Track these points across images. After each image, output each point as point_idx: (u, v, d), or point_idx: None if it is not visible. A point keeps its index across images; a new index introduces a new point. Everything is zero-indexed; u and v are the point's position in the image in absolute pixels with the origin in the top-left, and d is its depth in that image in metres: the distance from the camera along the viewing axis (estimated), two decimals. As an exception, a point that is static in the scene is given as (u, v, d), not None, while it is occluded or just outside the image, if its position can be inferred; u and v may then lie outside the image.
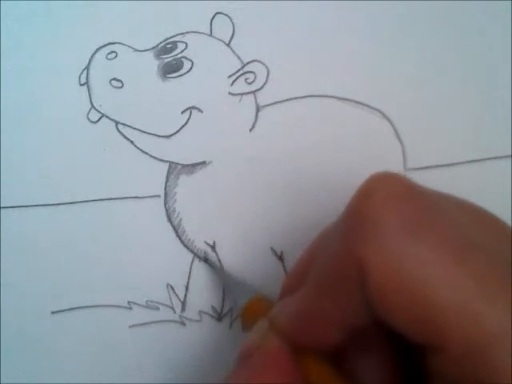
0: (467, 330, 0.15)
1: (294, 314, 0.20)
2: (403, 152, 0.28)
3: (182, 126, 0.27)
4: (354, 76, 0.28)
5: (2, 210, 0.27)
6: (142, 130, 0.27)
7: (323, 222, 0.27)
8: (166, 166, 0.28)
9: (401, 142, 0.28)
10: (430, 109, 0.28)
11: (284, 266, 0.27)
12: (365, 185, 0.18)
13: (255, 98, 0.28)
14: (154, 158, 0.28)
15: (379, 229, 0.17)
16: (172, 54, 0.28)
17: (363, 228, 0.17)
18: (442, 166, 0.28)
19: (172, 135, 0.27)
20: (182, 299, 0.27)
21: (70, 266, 0.27)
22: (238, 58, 0.28)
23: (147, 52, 0.28)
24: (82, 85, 0.28)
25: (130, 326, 0.27)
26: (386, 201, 0.17)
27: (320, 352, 0.20)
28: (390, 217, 0.17)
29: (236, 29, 0.28)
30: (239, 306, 0.24)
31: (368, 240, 0.17)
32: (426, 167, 0.27)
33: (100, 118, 0.28)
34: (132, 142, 0.28)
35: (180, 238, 0.27)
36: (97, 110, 0.28)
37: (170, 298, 0.27)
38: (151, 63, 0.28)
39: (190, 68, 0.28)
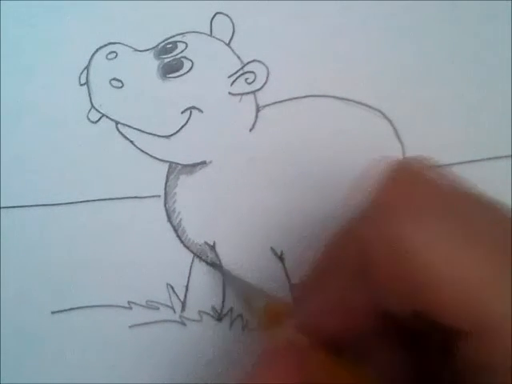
0: (469, 315, 0.15)
1: (311, 308, 0.20)
2: (403, 152, 0.28)
3: (182, 126, 0.27)
4: (354, 76, 0.28)
5: (2, 210, 0.27)
6: (142, 130, 0.27)
7: (323, 221, 0.27)
8: (165, 166, 0.28)
9: (401, 142, 0.28)
10: (429, 109, 0.28)
11: (284, 266, 0.27)
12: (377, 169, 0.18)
13: (255, 98, 0.28)
14: (154, 157, 0.28)
15: (385, 213, 0.17)
16: (172, 54, 0.28)
17: (368, 212, 0.17)
18: (442, 166, 0.28)
19: (172, 135, 0.27)
20: (181, 299, 0.27)
21: (70, 265, 0.27)
22: (238, 58, 0.28)
23: (147, 52, 0.28)
24: (82, 85, 0.28)
25: (130, 326, 0.27)
26: (393, 185, 0.17)
27: (339, 347, 0.20)
28: (398, 201, 0.17)
29: (236, 29, 0.28)
30: (254, 310, 0.24)
31: (372, 223, 0.17)
32: (426, 167, 0.27)
33: (100, 117, 0.28)
34: (132, 141, 0.28)
35: (180, 238, 0.27)
36: (97, 110, 0.28)
37: (170, 298, 0.27)
38: (151, 63, 0.28)
39: (190, 68, 0.28)
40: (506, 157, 0.28)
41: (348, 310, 0.19)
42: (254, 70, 0.28)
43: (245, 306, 0.26)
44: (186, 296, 0.27)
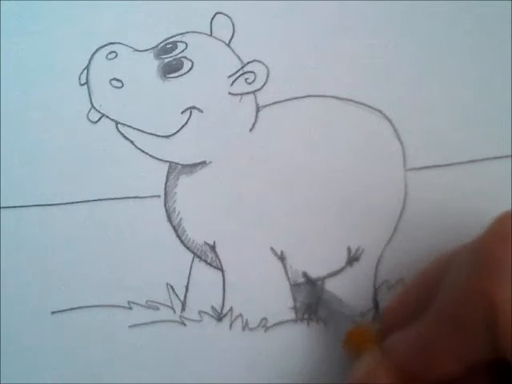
0: None
1: (413, 346, 0.20)
2: (403, 152, 0.28)
3: (182, 126, 0.27)
4: (354, 76, 0.28)
5: (2, 210, 0.27)
6: (142, 129, 0.27)
7: (323, 221, 0.27)
8: (166, 166, 0.28)
9: (401, 142, 0.28)
10: (429, 109, 0.28)
11: (284, 266, 0.27)
12: (497, 225, 0.19)
13: (255, 98, 0.28)
14: (154, 157, 0.28)
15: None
16: (172, 54, 0.28)
17: (497, 270, 0.18)
18: (442, 166, 0.28)
19: (172, 135, 0.27)
20: (181, 299, 0.27)
21: (70, 266, 0.27)
22: (238, 58, 0.28)
23: (147, 52, 0.28)
24: (82, 85, 0.28)
25: (129, 326, 0.27)
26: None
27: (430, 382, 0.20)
28: None
29: (236, 29, 0.28)
30: (341, 331, 0.25)
31: (501, 283, 0.17)
32: (426, 167, 0.27)
33: (100, 118, 0.28)
34: (132, 142, 0.28)
35: (180, 238, 0.27)
36: (97, 110, 0.28)
37: (170, 298, 0.27)
38: (151, 63, 0.28)
39: (190, 68, 0.28)
40: (505, 157, 0.28)
41: (443, 356, 0.19)
42: (254, 70, 0.28)
43: (334, 323, 0.26)
44: (185, 296, 0.27)
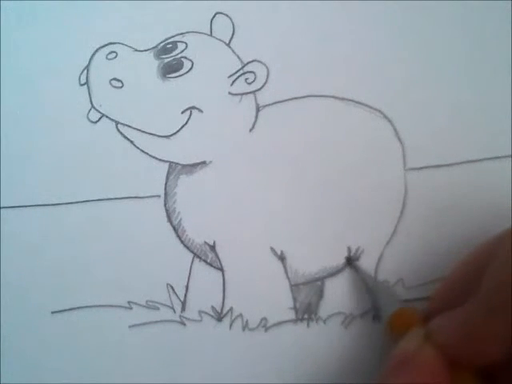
0: None
1: (458, 329, 0.21)
2: (403, 152, 0.28)
3: (182, 126, 0.27)
4: (354, 76, 0.28)
5: (2, 210, 0.27)
6: (142, 130, 0.27)
7: (323, 221, 0.27)
8: (166, 166, 0.28)
9: (401, 142, 0.28)
10: (430, 109, 0.28)
11: (284, 266, 0.27)
12: None
13: (255, 98, 0.28)
14: (154, 157, 0.28)
15: None
16: (172, 54, 0.28)
17: None
18: (442, 165, 0.28)
19: (172, 135, 0.27)
20: (181, 299, 0.27)
21: (70, 265, 0.27)
22: (238, 57, 0.28)
23: (147, 52, 0.28)
24: (82, 85, 0.28)
25: (129, 326, 0.27)
26: None
27: (473, 367, 0.21)
28: None
29: (236, 29, 0.28)
30: (385, 312, 0.25)
31: None
32: (426, 167, 0.27)
33: (100, 118, 0.28)
34: (132, 142, 0.28)
35: (180, 238, 0.27)
36: (97, 110, 0.28)
37: (170, 298, 0.27)
38: (151, 63, 0.28)
39: (190, 68, 0.28)
40: (505, 157, 0.28)
41: (487, 341, 0.20)
42: (254, 70, 0.28)
43: (376, 307, 0.26)
44: (185, 296, 0.27)
